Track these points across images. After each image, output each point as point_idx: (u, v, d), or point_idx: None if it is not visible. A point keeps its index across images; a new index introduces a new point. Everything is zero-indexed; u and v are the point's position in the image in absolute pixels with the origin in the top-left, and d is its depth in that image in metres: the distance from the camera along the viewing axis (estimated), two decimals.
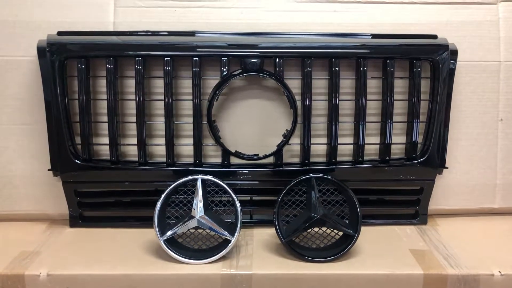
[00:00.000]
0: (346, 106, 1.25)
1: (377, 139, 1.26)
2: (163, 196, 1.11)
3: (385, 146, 1.24)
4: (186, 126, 1.24)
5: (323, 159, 1.26)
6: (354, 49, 1.21)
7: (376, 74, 1.24)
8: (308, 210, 1.11)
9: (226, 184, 1.12)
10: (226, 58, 1.18)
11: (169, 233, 1.08)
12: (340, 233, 1.13)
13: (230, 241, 1.08)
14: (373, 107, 1.25)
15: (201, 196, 1.09)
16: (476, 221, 1.31)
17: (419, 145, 1.25)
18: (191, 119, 1.20)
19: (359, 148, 1.23)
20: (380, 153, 1.26)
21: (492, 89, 1.28)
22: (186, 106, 1.23)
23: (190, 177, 1.13)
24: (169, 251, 1.07)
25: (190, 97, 1.19)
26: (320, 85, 1.23)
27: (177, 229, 1.08)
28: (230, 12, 1.25)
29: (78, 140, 1.21)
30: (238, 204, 1.11)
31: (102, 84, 1.21)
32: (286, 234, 1.11)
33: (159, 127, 1.23)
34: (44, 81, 1.16)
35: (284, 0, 1.25)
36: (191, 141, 1.21)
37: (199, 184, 1.11)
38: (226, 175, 1.22)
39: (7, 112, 1.23)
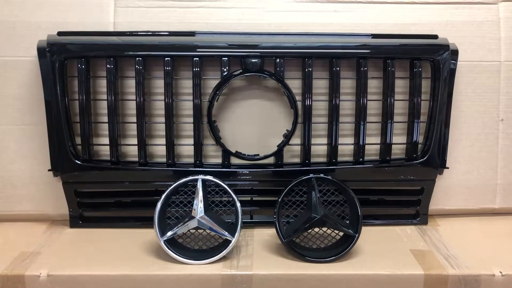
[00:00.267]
0: (347, 106, 1.25)
1: (377, 139, 1.25)
2: (163, 196, 1.11)
3: (385, 146, 1.24)
4: (187, 126, 1.24)
5: (324, 159, 1.25)
6: (355, 49, 1.20)
7: (377, 74, 1.24)
8: (308, 210, 1.11)
9: (226, 185, 1.12)
10: (226, 58, 1.18)
11: (169, 233, 1.08)
12: (341, 234, 1.13)
13: (230, 241, 1.08)
14: (373, 107, 1.25)
15: (202, 197, 1.09)
16: (477, 221, 1.30)
17: (419, 145, 1.25)
18: (191, 119, 1.19)
19: (359, 148, 1.23)
20: (380, 153, 1.26)
21: (492, 89, 1.27)
22: (186, 106, 1.23)
23: (190, 178, 1.13)
24: (170, 251, 1.07)
25: (191, 97, 1.19)
26: (320, 85, 1.23)
27: (177, 229, 1.08)
28: (230, 12, 1.24)
29: (78, 140, 1.20)
30: (238, 204, 1.11)
31: (102, 84, 1.21)
32: (287, 234, 1.10)
33: (159, 128, 1.23)
34: (44, 82, 1.16)
35: (285, 0, 1.25)
36: (191, 141, 1.21)
37: (199, 185, 1.10)
38: (226, 176, 1.21)
39: (7, 112, 1.23)
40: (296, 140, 1.23)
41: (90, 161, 1.21)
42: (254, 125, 1.26)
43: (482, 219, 1.32)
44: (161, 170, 1.22)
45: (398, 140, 1.26)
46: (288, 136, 1.21)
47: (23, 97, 1.23)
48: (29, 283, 1.01)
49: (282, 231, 1.11)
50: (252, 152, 1.23)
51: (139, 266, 1.05)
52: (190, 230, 1.11)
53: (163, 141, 1.21)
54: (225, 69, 1.18)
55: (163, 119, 1.19)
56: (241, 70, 1.18)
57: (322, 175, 1.16)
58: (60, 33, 1.19)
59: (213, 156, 1.26)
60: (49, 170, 1.20)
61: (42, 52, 1.15)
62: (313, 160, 1.23)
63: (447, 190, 1.31)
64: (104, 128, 1.21)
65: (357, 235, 1.09)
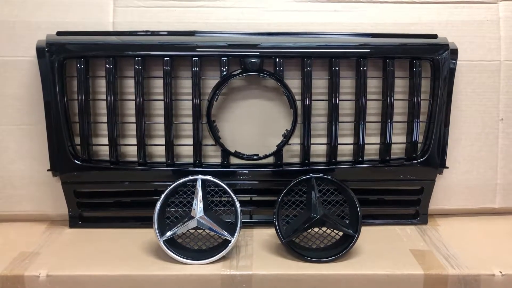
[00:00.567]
0: (346, 106, 1.24)
1: (377, 139, 1.25)
2: (162, 196, 1.11)
3: (385, 146, 1.24)
4: (186, 126, 1.24)
5: (323, 159, 1.25)
6: (354, 48, 1.20)
7: (376, 74, 1.23)
8: (308, 210, 1.11)
9: (226, 184, 1.12)
10: (225, 58, 1.18)
11: (168, 233, 1.08)
12: (340, 233, 1.13)
13: (230, 241, 1.08)
14: (373, 107, 1.25)
15: (201, 197, 1.09)
16: (477, 221, 1.30)
17: (419, 145, 1.25)
18: (190, 119, 1.19)
19: (359, 148, 1.23)
20: (380, 153, 1.26)
21: (492, 88, 1.27)
22: (185, 106, 1.23)
23: (189, 178, 1.12)
24: (169, 251, 1.07)
25: (190, 97, 1.19)
26: (320, 85, 1.23)
27: (176, 229, 1.08)
28: (230, 12, 1.24)
29: (77, 140, 1.20)
30: (238, 204, 1.11)
31: (101, 84, 1.20)
32: (286, 234, 1.10)
33: (159, 127, 1.23)
34: (43, 82, 1.16)
35: (284, 0, 1.25)
36: (190, 141, 1.21)
37: (198, 185, 1.10)
38: (226, 175, 1.21)
39: (7, 112, 1.23)
40: (295, 140, 1.23)
41: (89, 161, 1.21)
42: (253, 125, 1.26)
43: (482, 218, 1.32)
44: (161, 170, 1.22)
45: (398, 139, 1.25)
46: (287, 136, 1.21)
47: (23, 97, 1.22)
48: (28, 283, 1.01)
49: (282, 231, 1.11)
50: (252, 152, 1.23)
51: (139, 266, 1.05)
52: (190, 230, 1.11)
53: (162, 141, 1.21)
54: (224, 69, 1.18)
55: (162, 119, 1.19)
56: (240, 70, 1.18)
57: (321, 175, 1.16)
58: (59, 33, 1.18)
59: (213, 156, 1.26)
60: (48, 170, 1.20)
61: (41, 52, 1.15)
62: (312, 160, 1.23)
63: (447, 189, 1.30)
64: (104, 128, 1.21)
65: (356, 235, 1.09)
